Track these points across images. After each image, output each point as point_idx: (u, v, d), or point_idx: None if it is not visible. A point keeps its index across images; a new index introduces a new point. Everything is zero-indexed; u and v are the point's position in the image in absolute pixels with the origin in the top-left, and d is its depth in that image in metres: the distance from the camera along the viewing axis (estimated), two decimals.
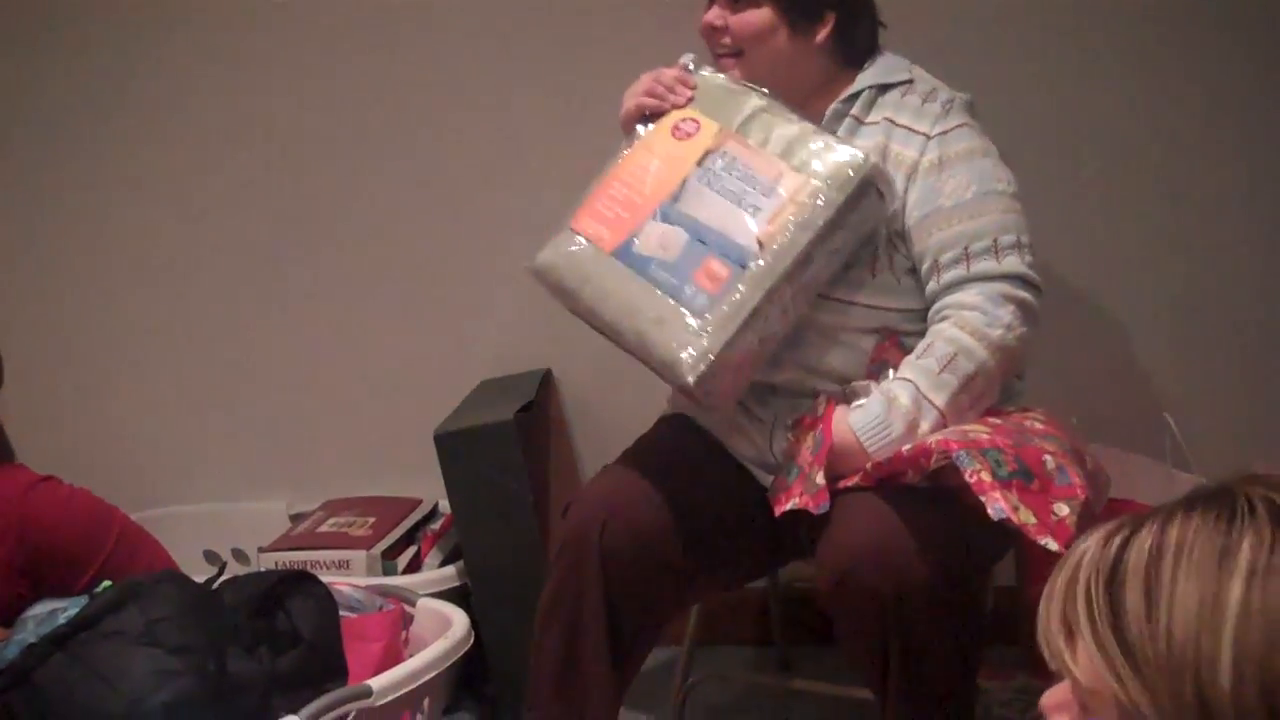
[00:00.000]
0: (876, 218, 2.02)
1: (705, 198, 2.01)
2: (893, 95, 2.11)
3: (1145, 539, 0.87)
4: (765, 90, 2.09)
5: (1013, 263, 2.01)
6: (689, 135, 2.08)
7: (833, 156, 1.98)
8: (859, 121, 2.11)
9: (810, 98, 2.13)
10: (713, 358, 1.90)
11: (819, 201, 1.95)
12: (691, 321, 1.93)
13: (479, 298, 2.93)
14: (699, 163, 2.04)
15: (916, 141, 2.06)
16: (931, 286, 2.04)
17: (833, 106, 2.12)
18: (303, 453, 3.08)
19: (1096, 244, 2.65)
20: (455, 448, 2.57)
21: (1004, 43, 2.61)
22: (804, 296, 2.00)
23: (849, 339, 2.07)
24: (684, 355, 1.91)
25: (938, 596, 1.87)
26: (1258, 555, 0.82)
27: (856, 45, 2.15)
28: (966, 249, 2.01)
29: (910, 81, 2.12)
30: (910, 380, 1.98)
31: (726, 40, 2.12)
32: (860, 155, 1.97)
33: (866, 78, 2.12)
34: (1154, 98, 2.60)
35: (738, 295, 1.93)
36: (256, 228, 3.00)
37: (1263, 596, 0.81)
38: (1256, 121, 2.57)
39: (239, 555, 3.00)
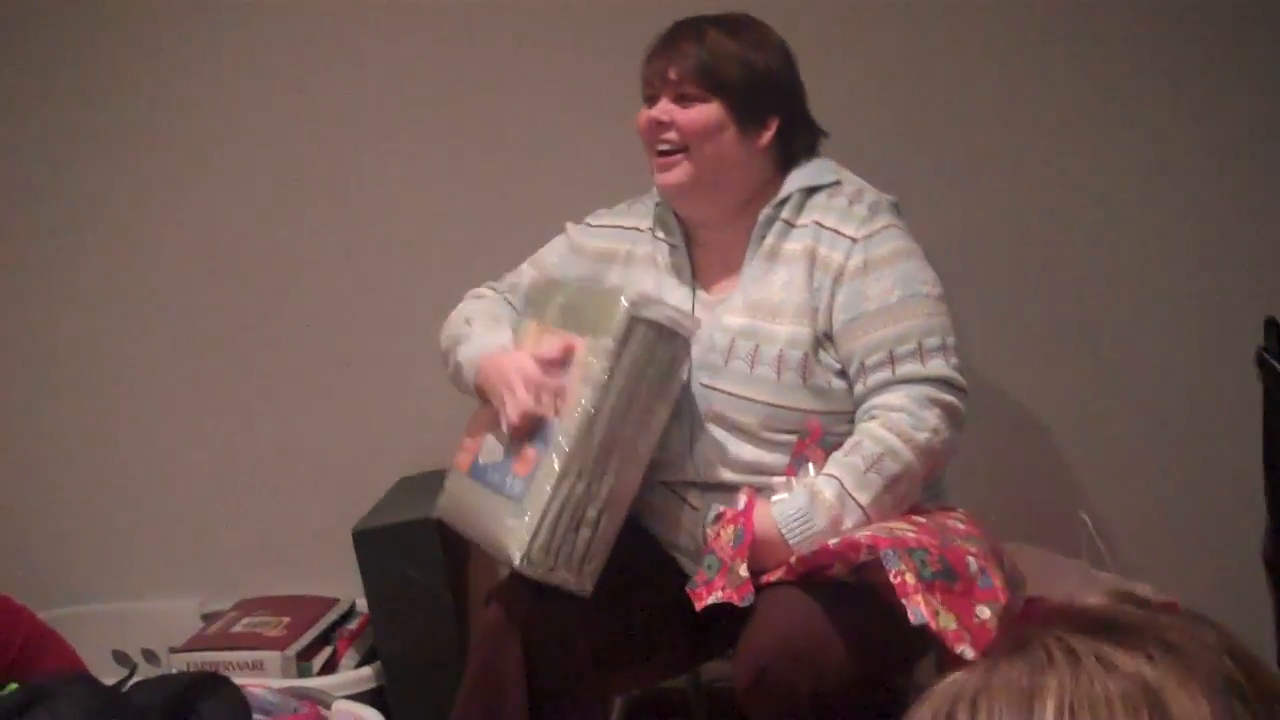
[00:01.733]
0: (668, 353, 2.03)
1: None
2: (820, 197, 2.13)
3: (962, 714, 0.87)
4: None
5: (937, 365, 2.04)
6: (521, 345, 2.16)
7: (600, 308, 2.04)
8: (789, 225, 2.13)
9: (747, 206, 2.16)
10: (528, 535, 1.97)
11: (593, 359, 2.00)
12: (512, 508, 2.01)
13: (398, 394, 2.91)
14: None
15: (843, 245, 2.08)
16: (859, 389, 2.06)
17: (765, 212, 2.14)
18: (216, 550, 3.03)
19: (1010, 343, 2.69)
20: (374, 545, 2.55)
21: (929, 149, 2.66)
22: (634, 445, 2.03)
23: (778, 438, 2.08)
24: (509, 540, 1.99)
25: (856, 696, 1.87)
26: (1061, 699, 0.83)
27: (794, 151, 2.18)
28: (892, 352, 2.03)
29: (838, 183, 2.15)
30: (836, 477, 1.99)
31: (672, 136, 2.11)
32: (625, 300, 2.01)
33: (795, 180, 2.15)
34: (1062, 198, 2.66)
35: (541, 470, 1.99)
36: (168, 322, 2.98)
37: None
38: (1155, 225, 2.64)
39: (149, 656, 2.94)
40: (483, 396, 2.16)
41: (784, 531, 1.96)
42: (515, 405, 2.03)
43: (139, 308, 2.99)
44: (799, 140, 2.18)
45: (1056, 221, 2.66)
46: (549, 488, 1.96)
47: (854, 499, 1.97)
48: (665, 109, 2.12)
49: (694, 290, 2.19)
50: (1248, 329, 2.14)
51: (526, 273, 2.31)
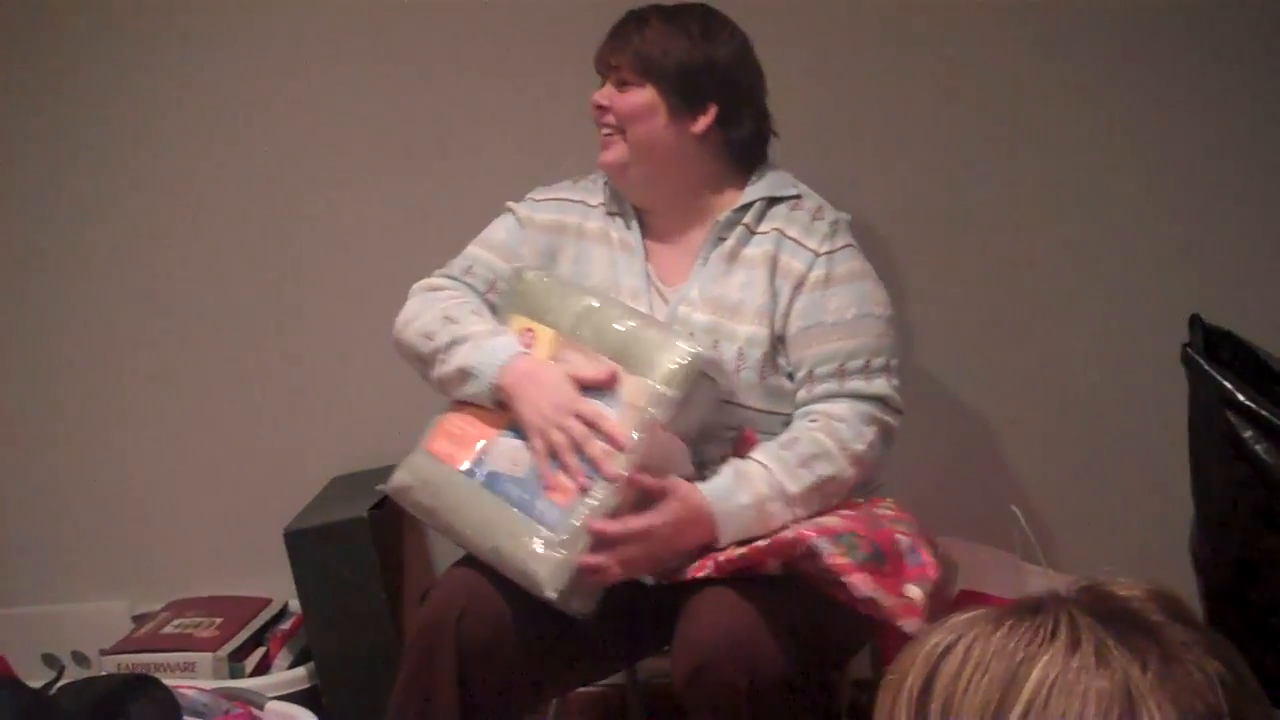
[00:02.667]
0: (710, 400, 2.07)
1: None
2: (781, 209, 2.18)
3: (959, 650, 0.88)
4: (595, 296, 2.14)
5: (881, 385, 2.10)
6: (528, 346, 2.11)
7: (664, 353, 2.02)
8: (750, 231, 2.17)
9: (700, 201, 2.20)
10: (571, 572, 1.93)
11: (653, 405, 1.99)
12: (546, 537, 1.96)
13: (330, 393, 2.89)
14: None
15: (805, 256, 2.13)
16: (802, 394, 2.11)
17: (725, 214, 2.17)
18: (146, 550, 3.00)
19: (943, 338, 2.71)
20: (306, 545, 2.54)
21: (870, 143, 2.68)
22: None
23: (725, 434, 2.11)
24: (544, 570, 1.94)
25: (793, 689, 1.88)
26: (1045, 675, 0.84)
27: (744, 146, 2.21)
28: (842, 366, 2.09)
29: (798, 197, 2.20)
30: (766, 465, 2.01)
31: (610, 119, 2.19)
32: (689, 351, 2.01)
33: (757, 190, 2.19)
34: (995, 198, 2.68)
35: (589, 507, 1.96)
36: (92, 324, 2.94)
37: (1042, 711, 0.82)
38: (1084, 223, 2.67)
39: (79, 658, 2.91)
40: (495, 404, 2.10)
41: (711, 504, 1.97)
42: (620, 462, 1.97)
43: (59, 311, 2.95)
44: (743, 129, 2.20)
45: (987, 219, 2.69)
46: (596, 528, 1.94)
47: (781, 485, 2.00)
48: (606, 93, 2.20)
49: (648, 276, 2.21)
50: (1175, 326, 2.17)
51: (478, 255, 2.27)
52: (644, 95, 2.16)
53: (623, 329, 2.07)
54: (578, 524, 1.95)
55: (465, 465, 2.06)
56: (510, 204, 2.31)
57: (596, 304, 2.11)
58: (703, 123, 2.16)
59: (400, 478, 2.14)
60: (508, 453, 2.04)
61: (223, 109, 2.84)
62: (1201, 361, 2.09)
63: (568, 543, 1.94)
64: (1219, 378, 2.05)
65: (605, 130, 2.20)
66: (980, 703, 0.84)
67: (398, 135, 2.82)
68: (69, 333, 2.96)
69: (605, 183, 2.27)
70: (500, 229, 2.28)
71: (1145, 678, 0.83)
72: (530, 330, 2.13)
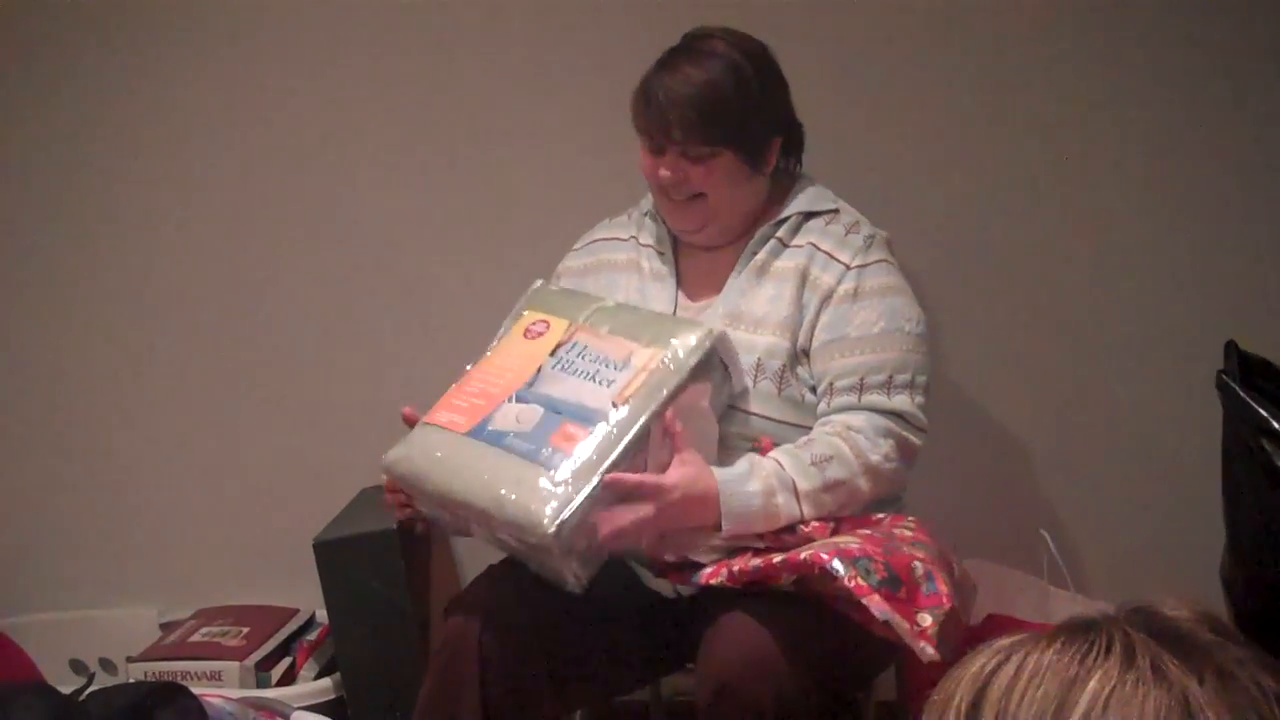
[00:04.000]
0: (720, 394, 2.05)
1: (560, 379, 2.03)
2: (818, 222, 2.18)
3: (1009, 667, 0.88)
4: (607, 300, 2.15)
5: (902, 401, 2.08)
6: (540, 334, 2.11)
7: (681, 328, 2.03)
8: (783, 244, 2.17)
9: (746, 222, 2.20)
10: (573, 508, 1.88)
11: (670, 366, 1.98)
12: (551, 477, 1.91)
13: (360, 405, 2.90)
14: (552, 353, 2.08)
15: (836, 269, 2.12)
16: (822, 406, 2.10)
17: (761, 230, 2.17)
18: (175, 559, 3.01)
19: (974, 360, 2.70)
20: (334, 557, 2.54)
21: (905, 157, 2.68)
22: (656, 464, 1.98)
23: (744, 446, 2.09)
24: (545, 509, 1.88)
25: (819, 709, 1.87)
26: (1102, 688, 0.83)
27: (790, 167, 2.23)
28: (862, 379, 2.08)
29: (836, 211, 2.20)
30: (778, 460, 2.01)
31: (688, 188, 2.14)
32: (706, 327, 2.02)
33: (796, 205, 2.19)
34: (1031, 221, 2.68)
35: (595, 450, 1.92)
36: (126, 333, 2.96)
37: None
38: (1121, 249, 2.66)
39: (107, 665, 2.91)
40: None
41: (720, 486, 1.96)
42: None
43: (95, 319, 2.97)
44: (795, 147, 2.23)
45: (1023, 241, 2.68)
46: (604, 467, 1.90)
47: (792, 480, 1.99)
48: (677, 165, 2.13)
49: (676, 296, 2.21)
50: (1210, 352, 2.16)
51: None
52: (724, 163, 2.12)
53: (638, 315, 2.08)
54: (584, 464, 1.90)
55: (470, 429, 2.03)
56: (555, 273, 2.34)
57: (611, 304, 2.13)
58: (773, 160, 2.18)
59: (397, 450, 2.09)
60: (514, 414, 2.02)
61: (267, 106, 2.86)
62: (1237, 389, 2.07)
63: (572, 481, 1.90)
64: (1255, 405, 2.04)
65: (677, 198, 2.16)
66: (1034, 715, 0.84)
67: (432, 137, 2.82)
68: (99, 341, 2.97)
69: (645, 214, 2.28)
70: None
71: (1203, 691, 0.82)
72: (544, 321, 2.12)
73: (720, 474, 1.98)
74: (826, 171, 2.28)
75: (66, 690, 2.02)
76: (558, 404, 1.99)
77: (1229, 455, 2.14)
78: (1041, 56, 2.61)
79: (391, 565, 2.53)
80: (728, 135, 2.10)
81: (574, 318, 2.10)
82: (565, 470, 1.91)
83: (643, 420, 1.94)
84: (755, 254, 2.17)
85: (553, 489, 1.90)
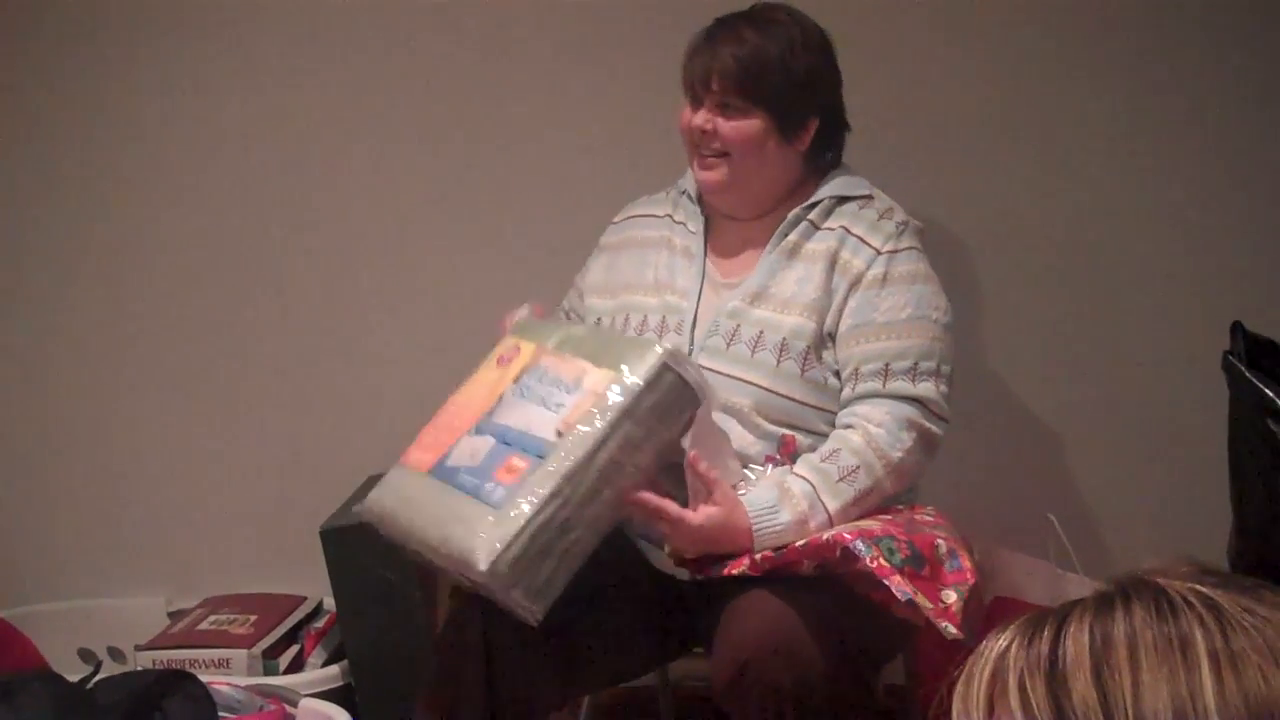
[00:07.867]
0: (683, 404, 1.97)
1: (517, 406, 2.02)
2: (851, 206, 2.17)
3: (1081, 633, 0.86)
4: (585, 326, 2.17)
5: (926, 388, 2.08)
6: (509, 360, 2.11)
7: (632, 349, 1.99)
8: (815, 226, 2.17)
9: (778, 202, 2.20)
10: (501, 545, 1.84)
11: (615, 388, 1.93)
12: (490, 514, 1.88)
13: (367, 391, 2.90)
14: (515, 379, 2.07)
15: (866, 254, 2.12)
16: (846, 393, 2.10)
17: (793, 212, 2.17)
18: (182, 547, 3.01)
19: (977, 345, 2.70)
20: (342, 544, 2.54)
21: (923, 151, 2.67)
22: (620, 489, 1.94)
23: (767, 426, 2.09)
24: (478, 544, 1.86)
25: (838, 691, 1.88)
26: (1212, 644, 0.83)
27: (828, 152, 2.22)
28: (887, 365, 2.07)
29: (870, 197, 2.19)
30: (808, 480, 2.01)
31: (716, 144, 2.15)
32: (656, 345, 1.97)
33: (829, 189, 2.19)
34: (1036, 208, 2.67)
35: (533, 481, 1.89)
36: (133, 322, 2.96)
37: (1235, 683, 0.81)
38: (1127, 232, 2.65)
39: (115, 654, 2.92)
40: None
41: (751, 519, 1.97)
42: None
43: (102, 308, 2.97)
44: (835, 138, 2.22)
45: (1031, 227, 2.67)
46: (537, 501, 1.86)
47: (823, 503, 1.99)
48: (708, 118, 2.15)
49: (704, 269, 2.21)
50: (1216, 334, 2.16)
51: (571, 296, 2.39)
52: (753, 125, 2.13)
53: (600, 338, 2.08)
54: (518, 497, 1.87)
55: (430, 467, 2.04)
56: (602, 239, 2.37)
57: (582, 331, 2.13)
58: (806, 139, 2.17)
59: (374, 493, 2.13)
60: (469, 448, 2.01)
61: (270, 99, 2.86)
62: (1243, 369, 2.07)
63: (507, 513, 1.86)
64: (1261, 386, 2.04)
65: (706, 153, 2.17)
66: (1165, 677, 0.82)
67: (438, 130, 2.82)
68: (107, 330, 2.98)
69: (681, 191, 2.29)
70: (594, 270, 2.34)
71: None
72: (516, 346, 2.13)
73: (751, 508, 1.97)
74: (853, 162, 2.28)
75: (74, 679, 2.02)
76: (508, 434, 1.98)
77: (1235, 436, 2.14)
78: (1061, 52, 2.61)
79: (398, 552, 2.51)
80: (763, 98, 2.11)
81: (543, 342, 2.09)
82: (505, 506, 1.88)
83: (584, 451, 1.89)
84: (787, 235, 2.17)
85: (491, 526, 1.87)
